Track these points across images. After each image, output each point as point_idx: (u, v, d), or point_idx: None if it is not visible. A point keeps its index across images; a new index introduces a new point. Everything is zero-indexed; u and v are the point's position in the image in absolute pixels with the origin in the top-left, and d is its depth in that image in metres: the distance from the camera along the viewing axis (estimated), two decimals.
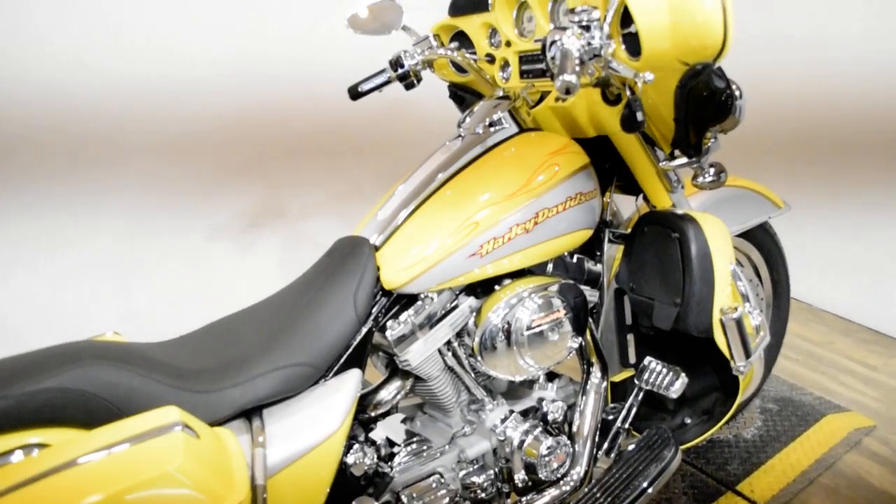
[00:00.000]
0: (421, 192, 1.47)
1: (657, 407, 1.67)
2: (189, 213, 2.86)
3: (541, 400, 1.65)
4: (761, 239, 2.06)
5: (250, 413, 1.26)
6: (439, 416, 1.63)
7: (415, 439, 1.56)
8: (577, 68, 1.22)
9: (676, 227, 1.48)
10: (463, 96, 1.95)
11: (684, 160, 1.53)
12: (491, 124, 1.58)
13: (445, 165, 1.50)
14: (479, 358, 1.44)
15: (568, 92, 1.19)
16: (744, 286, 1.56)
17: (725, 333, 1.44)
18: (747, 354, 1.44)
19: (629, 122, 1.32)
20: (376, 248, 1.44)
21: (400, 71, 1.78)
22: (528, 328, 1.44)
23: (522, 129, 1.60)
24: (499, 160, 1.50)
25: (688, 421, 1.71)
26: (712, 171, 1.54)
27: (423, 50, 1.78)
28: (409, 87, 1.81)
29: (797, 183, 2.97)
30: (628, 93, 1.31)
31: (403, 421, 1.65)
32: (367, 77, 1.83)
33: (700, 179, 1.55)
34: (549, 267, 1.61)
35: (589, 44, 1.29)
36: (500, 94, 1.64)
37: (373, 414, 1.50)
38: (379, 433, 1.57)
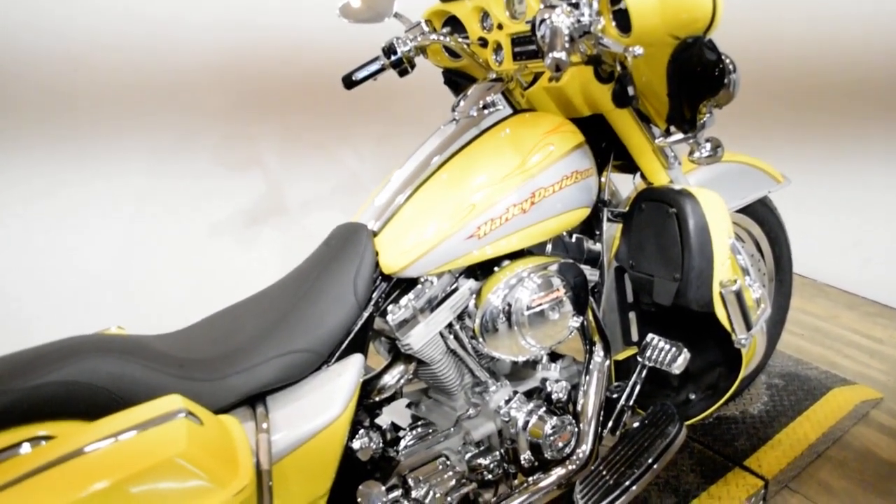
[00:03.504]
0: (417, 176, 1.48)
1: (661, 384, 1.68)
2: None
3: (544, 380, 1.65)
4: (761, 214, 2.06)
5: (254, 400, 1.27)
6: (444, 400, 1.63)
7: (420, 423, 1.57)
8: (567, 45, 1.22)
9: (674, 203, 1.48)
10: (458, 81, 1.95)
11: (680, 136, 1.53)
12: (485, 107, 1.58)
13: (440, 149, 1.51)
14: (480, 339, 1.45)
15: (558, 69, 1.20)
16: (743, 259, 1.56)
17: (726, 306, 1.44)
18: (748, 326, 1.44)
19: (620, 98, 1.32)
20: (374, 234, 1.45)
21: (393, 58, 1.78)
22: (528, 308, 1.45)
23: (517, 111, 1.60)
24: (493, 142, 1.50)
25: (692, 397, 1.71)
26: (708, 146, 1.54)
27: (415, 36, 1.78)
28: (402, 73, 1.82)
29: (797, 155, 2.97)
30: (619, 68, 1.31)
31: (409, 406, 1.65)
32: (360, 65, 1.84)
33: (696, 154, 1.55)
34: (549, 247, 1.61)
35: (578, 21, 1.29)
36: (494, 76, 1.65)
37: (377, 399, 1.51)
38: (385, 418, 1.58)
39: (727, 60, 1.41)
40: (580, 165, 1.52)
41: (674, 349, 1.60)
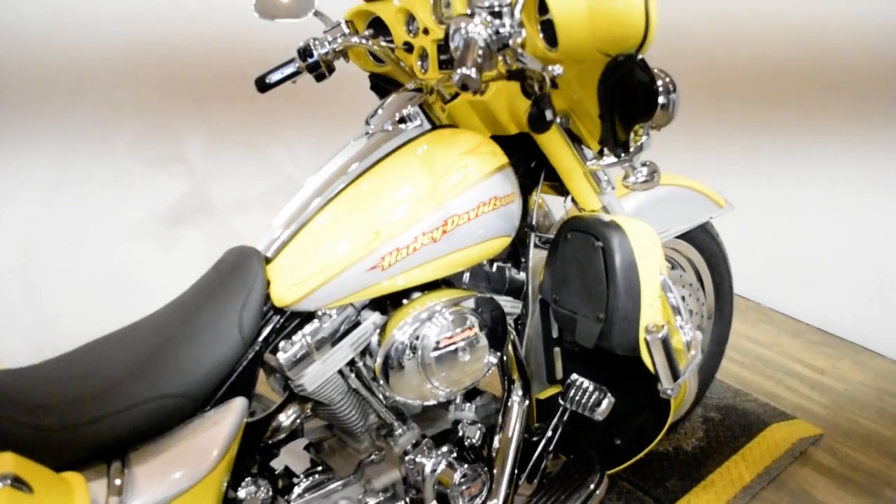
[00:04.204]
0: (318, 197, 1.32)
1: (585, 426, 1.55)
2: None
3: (457, 422, 1.52)
4: (701, 240, 1.95)
5: (113, 454, 1.11)
6: (348, 440, 1.49)
7: (317, 469, 1.42)
8: (480, 60, 1.08)
9: (600, 235, 1.35)
10: (385, 87, 1.80)
11: (613, 159, 1.41)
12: (402, 120, 1.43)
13: (346, 167, 1.35)
14: (381, 381, 1.30)
15: (465, 88, 1.05)
16: (675, 298, 1.44)
17: (650, 352, 1.32)
18: (675, 376, 1.32)
19: (536, 122, 1.19)
20: (268, 260, 1.29)
21: (309, 61, 1.63)
22: (437, 347, 1.31)
23: (435, 126, 1.45)
24: (405, 161, 1.36)
25: (617, 442, 1.59)
26: (645, 170, 1.42)
27: (335, 38, 1.63)
28: (319, 78, 1.66)
29: (740, 172, 2.88)
30: (537, 88, 1.17)
31: (307, 447, 1.50)
32: (274, 67, 1.68)
33: (631, 179, 1.43)
34: (466, 276, 1.47)
35: (497, 32, 1.15)
36: (413, 87, 1.50)
37: (270, 442, 1.36)
38: (281, 459, 1.43)
39: (666, 80, 1.28)
40: (500, 190, 1.38)
41: (597, 393, 1.48)
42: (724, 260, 2.01)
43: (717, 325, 2.07)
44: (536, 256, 1.59)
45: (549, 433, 1.55)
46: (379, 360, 1.30)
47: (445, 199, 1.31)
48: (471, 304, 1.36)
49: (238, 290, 1.24)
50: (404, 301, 1.36)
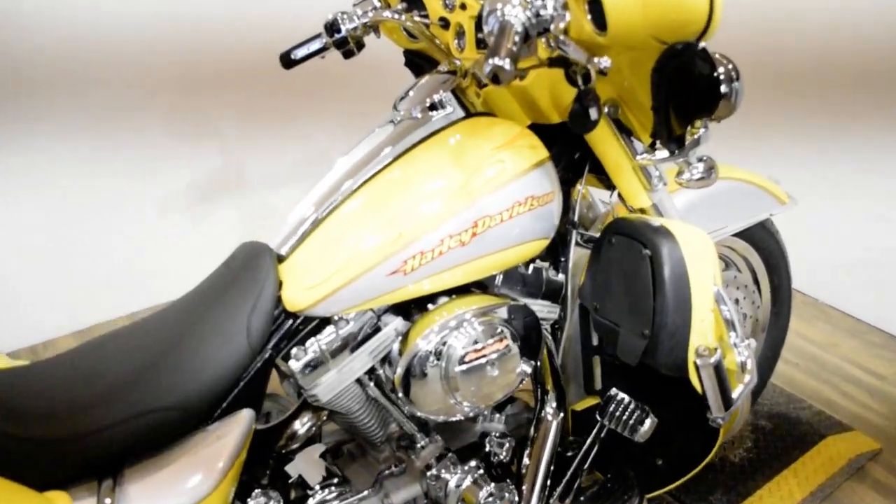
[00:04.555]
0: (337, 191, 1.21)
1: (624, 442, 1.43)
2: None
3: (485, 435, 1.41)
4: (759, 237, 1.79)
5: (105, 470, 1.03)
6: (367, 449, 1.39)
7: (333, 481, 1.33)
8: (515, 49, 0.95)
9: (648, 243, 1.21)
10: (420, 64, 1.67)
11: (666, 154, 1.27)
12: (432, 107, 1.31)
13: (367, 161, 1.24)
14: (399, 394, 1.20)
15: (496, 80, 0.92)
16: (729, 311, 1.29)
17: (701, 379, 1.18)
18: (727, 404, 1.18)
19: (579, 120, 1.05)
20: (280, 259, 1.19)
21: (337, 37, 1.50)
22: (464, 360, 1.19)
23: (469, 114, 1.32)
24: (433, 154, 1.23)
25: (658, 462, 1.46)
26: (701, 166, 1.27)
27: (364, 12, 1.50)
28: (347, 55, 1.54)
29: (798, 158, 2.68)
30: (581, 81, 1.03)
31: (323, 455, 1.41)
32: (299, 43, 1.56)
33: (685, 176, 1.28)
34: (499, 279, 1.35)
35: (538, 15, 1.01)
36: (445, 69, 1.36)
37: (284, 452, 1.28)
38: (297, 465, 1.34)
39: (728, 66, 1.13)
40: (538, 188, 1.25)
41: (638, 412, 1.35)
42: (783, 259, 1.84)
43: (772, 328, 1.92)
44: (577, 255, 1.47)
45: (585, 448, 1.43)
46: (399, 370, 1.19)
47: (476, 198, 1.19)
48: (503, 312, 1.24)
49: (247, 293, 1.14)
50: (430, 306, 1.25)
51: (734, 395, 1.19)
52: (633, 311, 1.24)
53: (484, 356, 1.21)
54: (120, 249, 2.62)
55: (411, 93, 1.32)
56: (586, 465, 1.43)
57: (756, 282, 1.85)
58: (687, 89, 1.11)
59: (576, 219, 1.44)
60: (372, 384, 1.25)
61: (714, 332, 1.25)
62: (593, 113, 1.04)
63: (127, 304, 2.64)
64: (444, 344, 1.19)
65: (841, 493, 1.84)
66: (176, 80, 2.55)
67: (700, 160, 1.28)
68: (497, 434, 1.40)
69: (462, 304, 1.23)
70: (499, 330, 1.22)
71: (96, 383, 1.05)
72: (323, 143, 2.91)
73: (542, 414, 1.42)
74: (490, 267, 1.24)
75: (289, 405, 1.33)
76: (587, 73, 1.13)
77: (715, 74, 1.07)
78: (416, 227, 1.16)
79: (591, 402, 1.48)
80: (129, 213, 2.62)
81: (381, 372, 1.25)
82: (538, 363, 1.39)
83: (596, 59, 0.99)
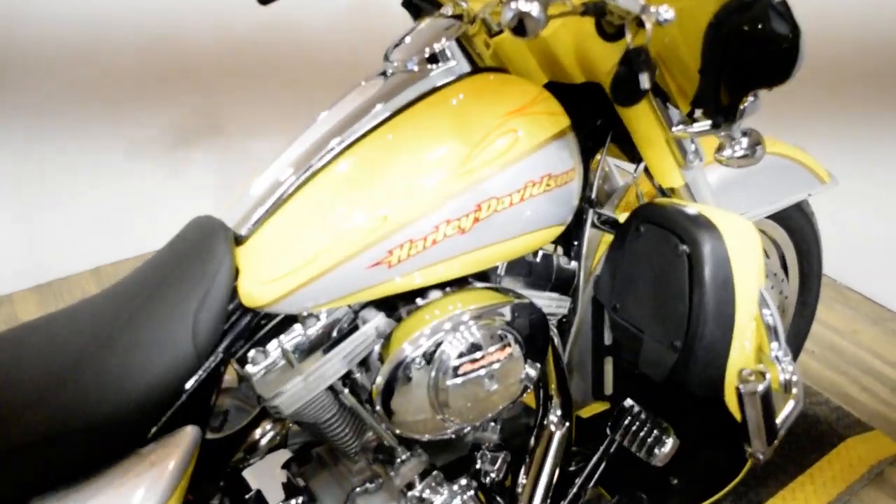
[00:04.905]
0: (309, 160, 0.99)
1: (635, 457, 1.24)
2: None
3: (476, 448, 1.21)
4: (793, 220, 1.59)
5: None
6: (339, 456, 1.20)
7: (297, 497, 1.14)
8: None
9: (686, 237, 1.00)
10: (420, 5, 1.42)
11: (707, 126, 1.05)
12: (432, 58, 1.08)
13: (351, 121, 1.01)
14: (378, 407, 0.99)
15: (521, 30, 0.70)
16: (772, 315, 1.09)
17: (742, 405, 0.98)
18: (771, 437, 0.99)
19: (624, 89, 0.83)
20: (239, 240, 0.97)
21: None
22: (458, 371, 0.99)
23: (476, 69, 1.09)
24: (430, 118, 1.00)
25: (674, 482, 1.27)
26: (745, 142, 1.07)
27: None
28: None
29: (824, 132, 2.45)
30: (629, 37, 0.80)
31: (285, 466, 1.21)
32: None
33: (727, 153, 1.08)
34: (502, 268, 1.14)
35: None
36: (450, 12, 1.12)
37: (240, 465, 1.08)
38: (255, 475, 1.15)
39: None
40: (556, 165, 1.03)
41: (657, 431, 1.16)
42: (816, 245, 1.64)
43: (797, 318, 1.73)
44: (593, 236, 1.26)
45: (591, 465, 1.24)
46: (380, 379, 0.98)
47: (481, 176, 0.96)
48: (506, 312, 1.03)
49: (195, 284, 0.92)
50: (419, 301, 1.04)
51: (778, 421, 1.00)
52: (663, 317, 1.04)
53: (482, 366, 1.00)
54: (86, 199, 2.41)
55: (407, 39, 1.08)
56: (592, 482, 1.24)
57: (784, 268, 1.65)
58: (750, 52, 0.89)
59: (593, 196, 1.23)
60: (346, 391, 1.05)
61: (754, 341, 1.05)
62: (644, 80, 0.82)
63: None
64: (435, 350, 0.98)
65: (857, 500, 1.68)
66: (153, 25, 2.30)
67: (745, 134, 1.06)
68: (490, 446, 1.20)
69: (458, 302, 1.02)
70: (501, 334, 1.01)
71: (11, 389, 0.84)
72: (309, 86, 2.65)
73: (545, 423, 1.22)
74: (493, 258, 1.03)
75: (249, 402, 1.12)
76: (622, 26, 0.90)
77: (796, 34, 0.84)
78: (405, 209, 0.94)
79: (599, 408, 1.29)
80: (99, 159, 2.40)
81: (357, 376, 1.05)
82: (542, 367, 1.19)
83: (654, 8, 0.76)
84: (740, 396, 0.97)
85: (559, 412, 1.22)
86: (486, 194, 0.97)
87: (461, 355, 0.99)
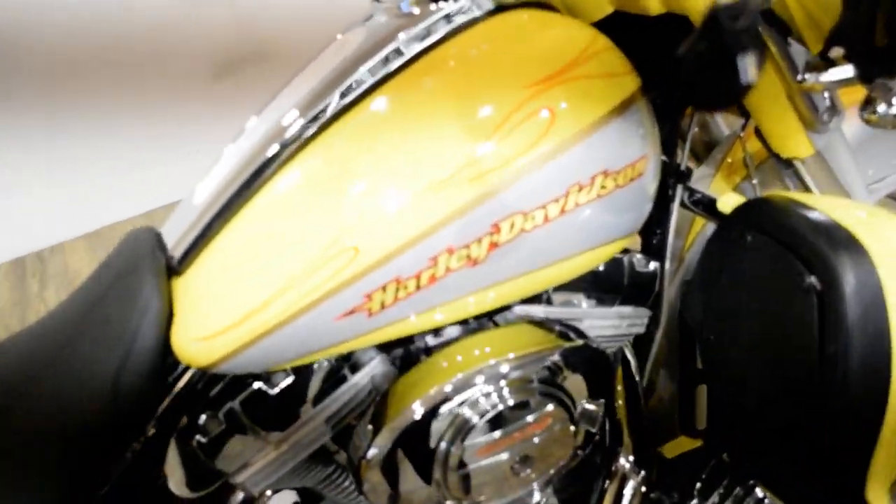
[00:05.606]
0: (261, 156, 0.70)
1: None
2: None
3: None
4: None
5: None
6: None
7: None
8: None
9: (818, 265, 0.65)
10: None
11: (849, 73, 0.69)
12: None
13: (323, 92, 0.71)
14: (364, 482, 0.73)
15: None
16: None
17: None
18: None
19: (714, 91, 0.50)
20: (175, 272, 0.71)
21: None
22: (481, 450, 0.72)
23: (502, 6, 0.75)
24: (428, 90, 0.69)
25: None
26: None
27: None
28: None
29: None
30: None
31: None
32: None
33: (881, 110, 0.73)
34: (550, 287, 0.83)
35: None
36: None
37: None
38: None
39: None
40: (617, 157, 0.70)
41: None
42: None
43: None
44: (683, 222, 0.93)
45: None
46: (374, 451, 0.72)
47: (500, 181, 0.65)
48: (553, 361, 0.73)
49: (115, 338, 0.68)
50: (429, 340, 0.76)
51: None
52: (777, 367, 0.72)
53: (519, 441, 0.72)
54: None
55: None
56: None
57: None
58: None
59: (683, 167, 0.89)
60: (338, 449, 0.80)
61: None
62: (749, 71, 0.48)
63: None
64: (456, 415, 0.71)
65: None
66: None
67: None
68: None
69: (487, 346, 0.73)
70: (543, 397, 0.73)
71: None
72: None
73: (614, 468, 0.94)
74: (526, 290, 0.73)
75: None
76: None
77: None
78: (384, 236, 0.64)
79: (689, 445, 0.99)
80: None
81: (357, 427, 0.79)
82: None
83: None
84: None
85: (632, 458, 0.93)
86: (508, 208, 0.65)
87: (491, 426, 0.71)
